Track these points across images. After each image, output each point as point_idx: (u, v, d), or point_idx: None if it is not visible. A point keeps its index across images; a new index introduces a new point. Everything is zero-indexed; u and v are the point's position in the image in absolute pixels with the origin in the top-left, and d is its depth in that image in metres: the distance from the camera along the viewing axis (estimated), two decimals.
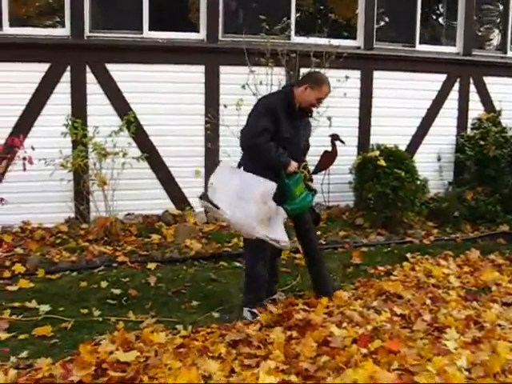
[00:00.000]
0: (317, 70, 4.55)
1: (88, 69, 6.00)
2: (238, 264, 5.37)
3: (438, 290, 4.73)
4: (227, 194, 3.94)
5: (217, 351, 3.48)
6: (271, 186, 3.93)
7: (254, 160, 4.05)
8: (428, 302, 4.43)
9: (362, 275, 5.18)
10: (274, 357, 3.39)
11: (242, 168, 4.14)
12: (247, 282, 4.26)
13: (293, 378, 3.14)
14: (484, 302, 4.47)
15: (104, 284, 4.70)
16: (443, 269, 5.27)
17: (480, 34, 8.58)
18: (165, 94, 6.27)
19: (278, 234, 3.98)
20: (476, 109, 7.79)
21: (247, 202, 3.91)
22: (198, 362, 3.34)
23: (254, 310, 4.10)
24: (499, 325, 3.96)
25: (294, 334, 3.74)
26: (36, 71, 5.87)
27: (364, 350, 3.44)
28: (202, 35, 6.43)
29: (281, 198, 4.02)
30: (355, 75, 6.87)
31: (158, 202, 6.41)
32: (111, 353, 3.41)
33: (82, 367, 3.25)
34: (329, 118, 6.12)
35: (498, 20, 8.47)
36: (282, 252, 4.64)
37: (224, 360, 3.40)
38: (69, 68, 5.94)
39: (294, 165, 4.04)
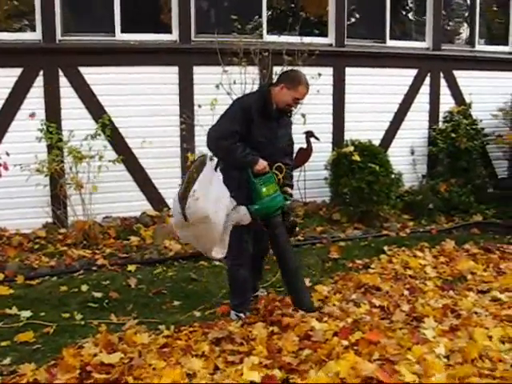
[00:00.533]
0: (294, 68, 4.35)
1: (61, 72, 5.96)
2: (217, 263, 5.39)
3: (416, 281, 4.83)
4: (210, 199, 3.78)
5: (200, 349, 3.53)
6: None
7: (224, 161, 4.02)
8: (406, 292, 4.53)
9: (340, 269, 5.25)
10: (257, 352, 3.45)
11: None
12: (232, 286, 4.23)
13: (276, 372, 3.20)
14: (460, 291, 4.57)
15: (84, 288, 4.68)
16: (420, 260, 5.38)
17: (449, 28, 8.73)
18: (139, 96, 6.26)
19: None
20: (447, 102, 7.93)
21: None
22: (181, 360, 3.38)
23: (241, 315, 4.11)
24: (475, 312, 4.07)
25: (276, 329, 3.80)
26: (8, 76, 5.80)
27: (345, 342, 3.52)
28: (174, 36, 6.43)
29: (248, 198, 3.96)
30: (328, 72, 6.94)
31: (135, 203, 6.40)
32: (95, 355, 3.44)
33: (66, 371, 3.27)
34: (303, 116, 6.19)
35: (466, 14, 8.63)
36: (267, 252, 4.53)
37: (207, 358, 3.44)
38: (41, 72, 5.89)
39: (262, 164, 3.93)
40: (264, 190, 3.96)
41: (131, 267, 5.17)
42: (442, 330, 3.71)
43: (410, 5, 8.37)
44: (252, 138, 3.91)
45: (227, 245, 3.87)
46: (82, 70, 6.03)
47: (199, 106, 6.12)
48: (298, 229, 4.53)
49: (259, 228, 4.09)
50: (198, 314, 4.31)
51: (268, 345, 3.54)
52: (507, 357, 3.32)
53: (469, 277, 4.99)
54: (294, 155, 6.59)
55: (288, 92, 3.96)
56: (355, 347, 3.47)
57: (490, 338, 3.57)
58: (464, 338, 3.57)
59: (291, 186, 4.27)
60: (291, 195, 4.22)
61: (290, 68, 4.42)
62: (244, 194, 3.95)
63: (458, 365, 3.22)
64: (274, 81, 4.20)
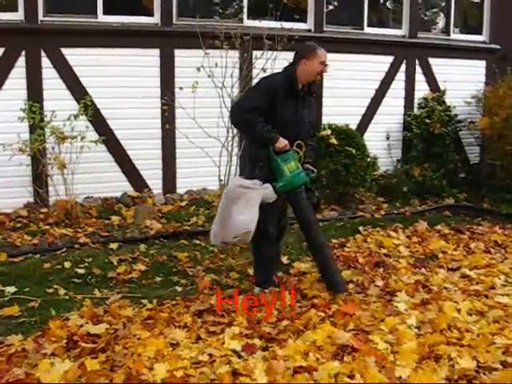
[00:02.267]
0: (309, 42, 4.26)
1: (43, 53, 5.98)
2: (197, 242, 5.52)
3: (389, 259, 5.02)
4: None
5: (183, 321, 3.68)
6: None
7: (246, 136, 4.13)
8: (380, 269, 4.71)
9: None
10: (238, 323, 3.61)
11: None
12: (257, 264, 4.36)
13: (256, 341, 3.37)
14: (431, 268, 4.79)
15: (68, 264, 4.75)
16: (393, 240, 5.58)
17: (425, 17, 8.91)
18: (121, 78, 6.32)
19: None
20: (422, 89, 8.13)
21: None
22: (165, 331, 3.52)
23: (266, 291, 4.22)
24: (445, 288, 4.30)
25: (256, 303, 3.96)
26: None
27: (321, 314, 3.69)
28: (156, 19, 6.49)
29: (270, 175, 4.03)
30: None
31: (116, 184, 6.48)
32: (81, 326, 3.55)
33: (53, 341, 3.39)
34: None
35: (442, 4, 8.81)
36: (285, 232, 4.56)
37: (190, 329, 3.59)
38: (23, 53, 5.91)
39: (283, 142, 3.98)
40: (286, 167, 4.02)
41: (113, 245, 5.25)
42: (414, 304, 3.93)
43: None
44: (276, 116, 4.00)
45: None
46: (64, 51, 6.06)
47: (180, 89, 6.18)
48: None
49: (282, 206, 4.23)
50: (179, 289, 4.45)
51: (248, 316, 3.70)
52: (474, 328, 3.54)
53: (440, 255, 5.20)
54: None
55: (311, 63, 4.04)
56: (331, 319, 3.65)
57: (459, 310, 3.78)
58: (434, 310, 3.77)
59: (313, 166, 4.28)
60: (313, 171, 4.24)
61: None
62: (266, 172, 4.04)
63: (428, 334, 3.42)
64: (291, 62, 4.19)
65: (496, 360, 3.10)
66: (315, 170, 4.27)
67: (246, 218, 3.85)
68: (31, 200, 6.11)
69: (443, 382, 2.90)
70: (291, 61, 4.20)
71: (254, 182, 4.00)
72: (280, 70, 4.27)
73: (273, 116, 3.99)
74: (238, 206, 3.88)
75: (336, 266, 4.42)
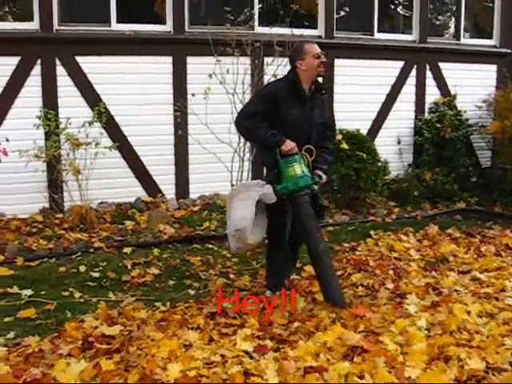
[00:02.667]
0: (296, 42, 4.30)
1: (58, 61, 6.11)
2: (210, 246, 5.60)
3: (400, 262, 5.05)
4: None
5: (195, 323, 3.73)
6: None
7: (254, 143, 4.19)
8: (391, 272, 4.75)
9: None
10: (249, 325, 3.66)
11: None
12: (269, 268, 4.39)
13: (267, 342, 3.42)
14: (442, 271, 4.81)
15: (82, 268, 4.83)
16: (404, 243, 5.61)
17: (435, 22, 8.95)
18: (134, 85, 6.43)
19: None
20: (432, 93, 8.15)
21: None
22: (178, 332, 3.58)
23: (277, 293, 4.23)
24: (456, 290, 4.32)
25: (267, 305, 4.01)
26: (6, 65, 5.94)
27: (332, 315, 3.74)
28: (168, 27, 6.60)
29: (276, 178, 4.05)
30: None
31: (130, 189, 6.57)
32: (96, 328, 3.63)
33: (69, 342, 3.46)
34: None
35: (452, 8, 8.85)
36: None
37: (203, 330, 3.65)
38: (39, 61, 6.04)
39: (289, 144, 3.95)
40: (289, 169, 3.97)
41: (127, 249, 5.32)
42: (424, 306, 3.96)
43: None
44: (282, 120, 4.00)
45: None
46: (79, 59, 6.18)
47: (193, 95, 6.27)
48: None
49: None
50: (192, 292, 4.51)
51: (259, 318, 3.76)
52: (484, 329, 3.56)
53: (451, 259, 5.22)
54: None
55: (305, 60, 4.04)
56: (342, 320, 3.70)
57: (469, 313, 3.80)
58: (444, 312, 3.80)
59: (324, 171, 4.21)
60: (320, 177, 4.15)
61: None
62: (273, 174, 4.07)
63: (438, 336, 3.45)
64: (289, 68, 4.21)
65: (505, 361, 3.13)
66: (323, 176, 4.17)
67: (236, 214, 3.89)
68: (46, 205, 6.22)
69: (452, 382, 2.93)
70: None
71: (257, 182, 4.09)
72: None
73: (278, 120, 4.00)
74: (235, 203, 3.95)
75: (336, 280, 4.15)
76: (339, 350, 3.27)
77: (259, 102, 4.08)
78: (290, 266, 4.52)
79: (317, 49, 4.09)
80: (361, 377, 2.97)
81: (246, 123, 4.04)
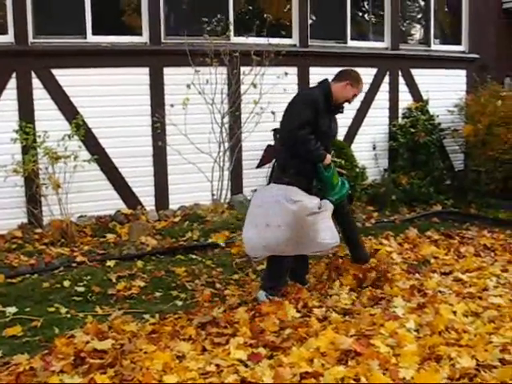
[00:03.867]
0: (357, 72, 4.54)
1: (34, 74, 6.04)
2: (194, 256, 5.59)
3: (383, 266, 5.11)
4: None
5: (187, 334, 3.73)
6: (304, 207, 4.11)
7: (294, 154, 4.21)
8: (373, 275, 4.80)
9: (311, 257, 5.48)
10: (242, 334, 3.68)
11: (280, 167, 4.38)
12: (271, 270, 4.42)
13: (261, 350, 3.44)
14: (425, 273, 4.90)
15: (67, 283, 4.78)
16: (386, 247, 5.67)
17: (406, 29, 9.13)
18: (111, 97, 6.39)
19: (324, 236, 4.22)
20: (405, 99, 8.32)
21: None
22: (170, 344, 3.58)
23: (270, 297, 4.27)
24: (440, 291, 4.41)
25: (257, 313, 4.03)
26: None
27: (323, 322, 3.78)
28: (144, 38, 6.58)
29: (320, 191, 4.30)
30: (293, 71, 7.21)
31: (109, 202, 6.51)
32: (87, 343, 3.58)
33: (60, 358, 3.42)
34: (273, 113, 6.40)
35: (422, 16, 9.04)
36: None
37: (195, 341, 3.65)
38: (14, 75, 5.96)
39: (328, 158, 4.27)
40: (333, 179, 4.34)
41: (110, 263, 5.28)
42: (411, 308, 4.04)
43: (367, 6, 8.71)
44: (318, 129, 4.17)
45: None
46: (55, 71, 6.12)
47: (171, 106, 6.28)
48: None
49: None
50: (179, 303, 4.49)
51: (251, 326, 3.77)
52: (471, 328, 3.65)
53: (432, 260, 5.32)
54: (263, 152, 6.97)
55: (351, 89, 4.34)
56: (333, 325, 3.74)
57: (455, 312, 3.90)
58: (431, 313, 3.88)
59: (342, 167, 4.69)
60: (346, 174, 4.63)
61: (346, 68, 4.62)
62: (316, 187, 4.31)
63: (427, 336, 3.54)
64: (334, 77, 4.46)
65: (494, 358, 3.21)
66: (344, 171, 4.67)
67: (332, 231, 4.23)
68: (25, 221, 6.12)
69: (446, 381, 2.99)
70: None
71: (311, 205, 4.14)
72: (314, 85, 4.51)
73: (316, 129, 4.15)
74: (317, 228, 4.14)
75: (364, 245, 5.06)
76: (333, 354, 3.31)
77: (306, 110, 4.14)
78: (302, 278, 4.65)
79: (361, 91, 4.48)
80: (356, 380, 3.01)
81: (302, 132, 4.12)
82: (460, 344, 3.40)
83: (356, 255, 4.84)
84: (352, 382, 2.99)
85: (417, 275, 4.85)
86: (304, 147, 4.16)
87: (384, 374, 3.07)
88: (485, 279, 4.65)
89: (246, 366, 3.26)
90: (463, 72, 8.77)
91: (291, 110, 4.24)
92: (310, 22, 7.59)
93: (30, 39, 6.08)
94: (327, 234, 4.19)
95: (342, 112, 4.51)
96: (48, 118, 6.10)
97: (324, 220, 4.18)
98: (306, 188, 4.23)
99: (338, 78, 4.42)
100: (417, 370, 3.09)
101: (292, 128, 4.17)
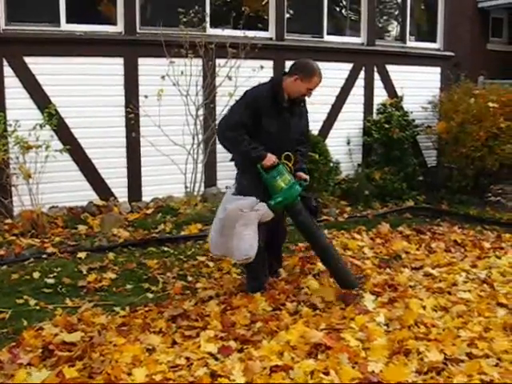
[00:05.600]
0: (306, 58, 4.20)
1: (5, 62, 5.91)
2: (166, 248, 5.55)
3: (355, 261, 5.15)
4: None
5: (157, 326, 3.72)
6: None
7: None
8: None
9: (284, 251, 5.47)
10: (212, 327, 3.68)
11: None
12: (248, 273, 4.35)
13: (232, 343, 3.45)
14: (396, 268, 4.94)
15: (36, 275, 4.71)
16: (358, 242, 5.73)
17: (382, 25, 9.19)
18: (84, 87, 6.28)
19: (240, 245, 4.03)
20: (380, 95, 8.37)
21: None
22: (140, 337, 3.56)
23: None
24: (410, 286, 4.46)
25: (228, 307, 4.03)
26: None
27: (294, 316, 3.80)
28: (119, 28, 6.48)
29: (265, 193, 4.01)
30: (269, 65, 7.17)
31: (81, 193, 6.42)
32: (56, 335, 3.55)
33: (28, 350, 3.39)
34: None
35: (398, 12, 9.10)
36: (284, 239, 4.81)
37: (165, 334, 3.64)
38: None
39: (270, 159, 3.95)
40: (278, 182, 3.97)
41: (81, 254, 5.21)
42: (382, 302, 4.08)
43: (346, 2, 8.73)
44: (262, 129, 3.94)
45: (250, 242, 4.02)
46: (27, 59, 5.99)
47: (145, 97, 6.22)
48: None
49: (279, 220, 4.27)
50: (150, 295, 4.46)
51: (222, 319, 3.77)
52: (439, 322, 3.71)
53: (403, 255, 5.38)
54: None
55: (302, 83, 3.98)
56: (303, 319, 3.76)
57: (424, 307, 3.95)
58: (401, 308, 3.94)
59: (304, 171, 4.23)
60: (306, 180, 4.16)
61: (301, 59, 4.20)
62: (261, 190, 4.01)
63: (397, 330, 3.58)
64: (287, 70, 4.14)
65: (462, 352, 3.27)
66: (308, 178, 4.20)
67: (245, 243, 3.97)
68: None
69: (414, 374, 3.03)
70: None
71: (247, 202, 4.01)
72: (266, 80, 4.22)
73: (258, 130, 3.94)
74: (238, 229, 3.98)
75: (346, 267, 4.42)
76: (303, 348, 3.33)
77: (243, 111, 3.94)
78: (269, 269, 4.51)
79: (316, 85, 4.05)
80: (326, 373, 3.03)
81: (230, 134, 3.95)
82: (429, 338, 3.45)
83: (340, 283, 4.26)
84: (321, 375, 3.01)
85: (388, 270, 4.88)
86: (235, 148, 4.02)
87: (353, 367, 3.10)
88: (454, 274, 4.71)
89: (216, 359, 3.27)
90: (438, 69, 8.86)
91: (231, 108, 4.10)
92: (287, 15, 7.58)
93: (2, 26, 5.95)
94: (245, 241, 4.00)
95: (302, 106, 4.22)
96: (20, 106, 5.98)
97: (251, 226, 3.99)
98: (256, 186, 4.04)
99: (289, 71, 4.09)
100: (386, 364, 3.13)
101: (222, 130, 4.02)
